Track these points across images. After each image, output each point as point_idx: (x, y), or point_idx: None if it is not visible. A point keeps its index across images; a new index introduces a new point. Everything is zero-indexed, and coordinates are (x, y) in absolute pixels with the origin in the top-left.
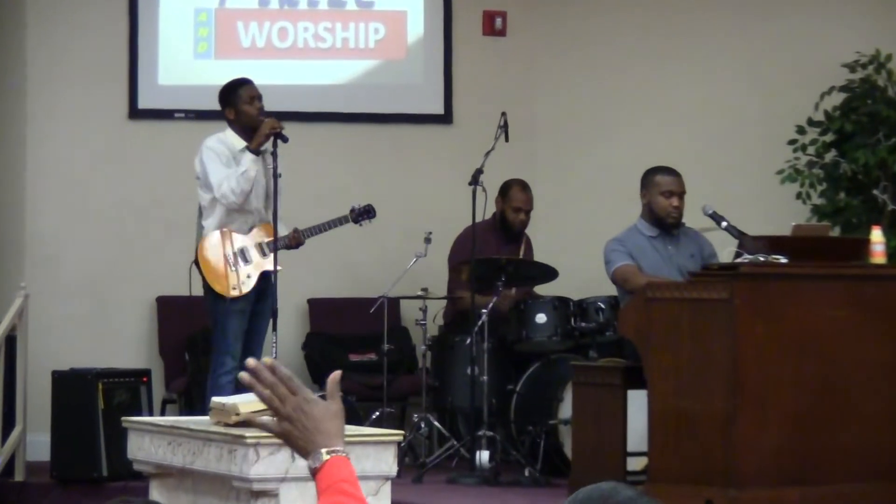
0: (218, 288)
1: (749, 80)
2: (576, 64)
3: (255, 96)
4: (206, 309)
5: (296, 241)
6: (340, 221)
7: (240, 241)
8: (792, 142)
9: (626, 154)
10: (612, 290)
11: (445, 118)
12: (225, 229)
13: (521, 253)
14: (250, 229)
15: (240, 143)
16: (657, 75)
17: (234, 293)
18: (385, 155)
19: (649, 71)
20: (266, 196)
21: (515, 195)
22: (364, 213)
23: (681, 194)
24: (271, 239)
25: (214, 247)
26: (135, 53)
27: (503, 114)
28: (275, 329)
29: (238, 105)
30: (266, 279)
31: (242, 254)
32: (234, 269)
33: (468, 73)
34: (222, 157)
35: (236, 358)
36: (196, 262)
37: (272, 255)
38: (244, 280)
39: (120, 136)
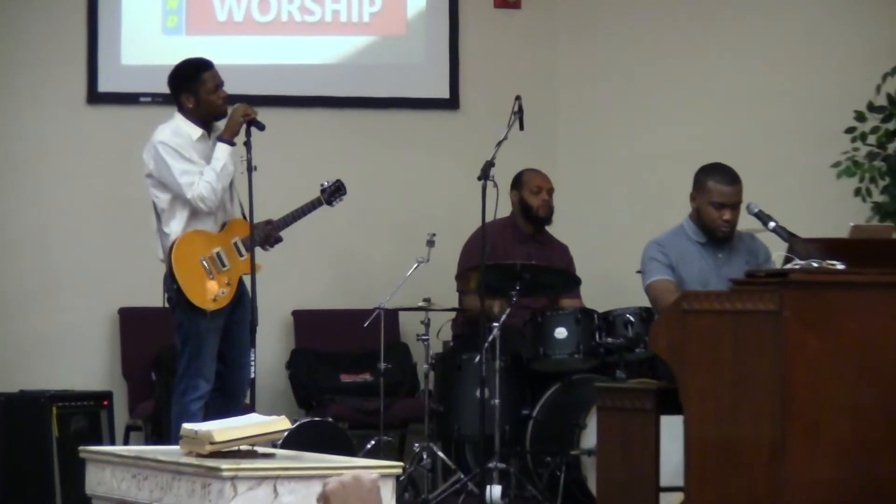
0: (197, 300)
1: (800, 59)
2: (602, 41)
3: (220, 83)
4: (176, 325)
5: (270, 236)
6: (313, 205)
7: (214, 243)
8: (850, 130)
9: (660, 145)
10: (642, 300)
11: (451, 103)
12: (196, 230)
13: (555, 261)
14: (221, 228)
15: (196, 131)
16: (695, 55)
17: (215, 305)
18: (382, 145)
19: (686, 50)
20: (231, 187)
21: (530, 177)
22: (336, 192)
23: (735, 205)
24: (246, 236)
25: (189, 252)
26: (94, 28)
27: (517, 98)
28: (253, 345)
29: (200, 93)
30: (241, 283)
31: (219, 258)
32: (212, 276)
33: (477, 52)
34: (183, 151)
35: (210, 381)
36: (170, 273)
37: (248, 254)
38: (223, 289)
39: (77, 123)
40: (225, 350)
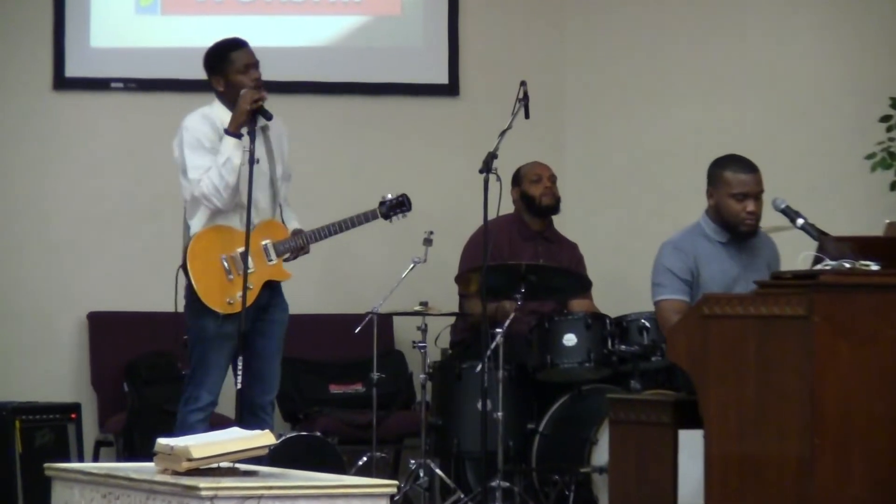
0: (210, 300)
1: (830, 42)
2: (613, 22)
3: (252, 63)
4: (186, 327)
5: (301, 247)
6: (367, 217)
7: (240, 242)
8: (885, 119)
9: (676, 135)
10: None
11: (450, 89)
12: (220, 226)
13: (564, 260)
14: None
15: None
16: (715, 37)
17: (230, 308)
18: (375, 134)
19: (705, 32)
20: (271, 185)
21: (528, 169)
22: (398, 206)
23: (758, 195)
24: (280, 239)
25: (209, 248)
26: (61, 8)
27: (522, 84)
28: (241, 353)
29: (228, 74)
30: (272, 290)
31: (243, 259)
32: (231, 277)
33: (479, 34)
34: (206, 139)
35: (214, 392)
36: (184, 268)
37: (279, 259)
38: (241, 292)
39: (43, 110)
40: (247, 362)
